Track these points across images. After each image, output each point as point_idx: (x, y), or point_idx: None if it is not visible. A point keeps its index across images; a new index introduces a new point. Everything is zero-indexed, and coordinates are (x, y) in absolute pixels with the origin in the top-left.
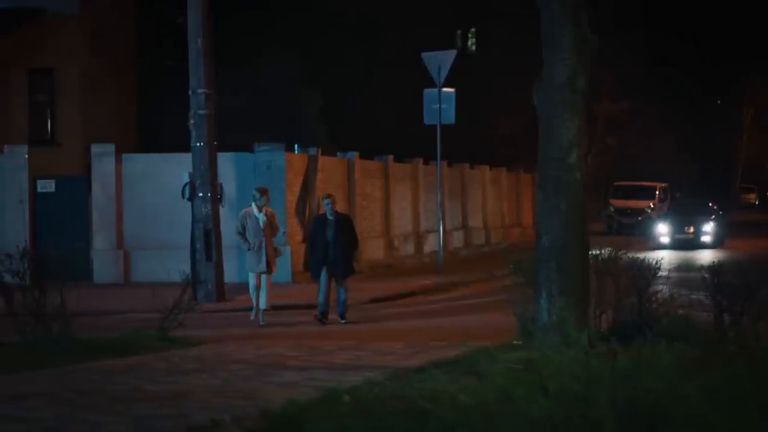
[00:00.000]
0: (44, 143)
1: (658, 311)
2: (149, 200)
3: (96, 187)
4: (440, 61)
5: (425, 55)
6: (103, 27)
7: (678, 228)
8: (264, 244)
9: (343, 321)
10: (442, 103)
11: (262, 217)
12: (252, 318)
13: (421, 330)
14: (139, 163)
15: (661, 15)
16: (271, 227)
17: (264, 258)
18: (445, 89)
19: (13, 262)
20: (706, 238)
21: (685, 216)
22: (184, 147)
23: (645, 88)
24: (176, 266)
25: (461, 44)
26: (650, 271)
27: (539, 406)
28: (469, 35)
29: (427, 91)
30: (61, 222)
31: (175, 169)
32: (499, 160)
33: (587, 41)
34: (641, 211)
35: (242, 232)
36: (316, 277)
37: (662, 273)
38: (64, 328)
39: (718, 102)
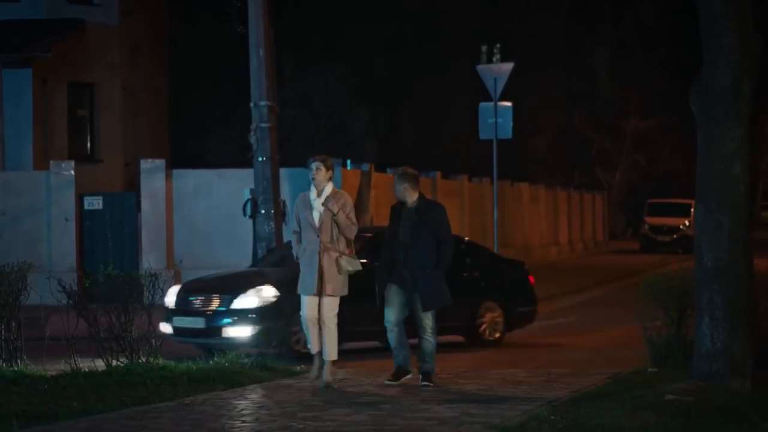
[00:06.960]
0: (84, 159)
1: None
2: (201, 218)
3: (145, 204)
4: (496, 74)
5: (480, 67)
6: (140, 40)
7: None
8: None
9: (425, 384)
10: (498, 117)
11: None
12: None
13: (518, 353)
14: (191, 179)
15: (689, 32)
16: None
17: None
18: (501, 103)
19: (98, 286)
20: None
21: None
22: (219, 163)
23: (673, 106)
24: None
25: (486, 60)
26: None
27: None
28: (495, 51)
29: (482, 105)
30: (108, 240)
31: (227, 185)
32: (529, 177)
33: (753, 41)
34: (677, 229)
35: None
36: (382, 302)
37: None
38: (154, 355)
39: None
